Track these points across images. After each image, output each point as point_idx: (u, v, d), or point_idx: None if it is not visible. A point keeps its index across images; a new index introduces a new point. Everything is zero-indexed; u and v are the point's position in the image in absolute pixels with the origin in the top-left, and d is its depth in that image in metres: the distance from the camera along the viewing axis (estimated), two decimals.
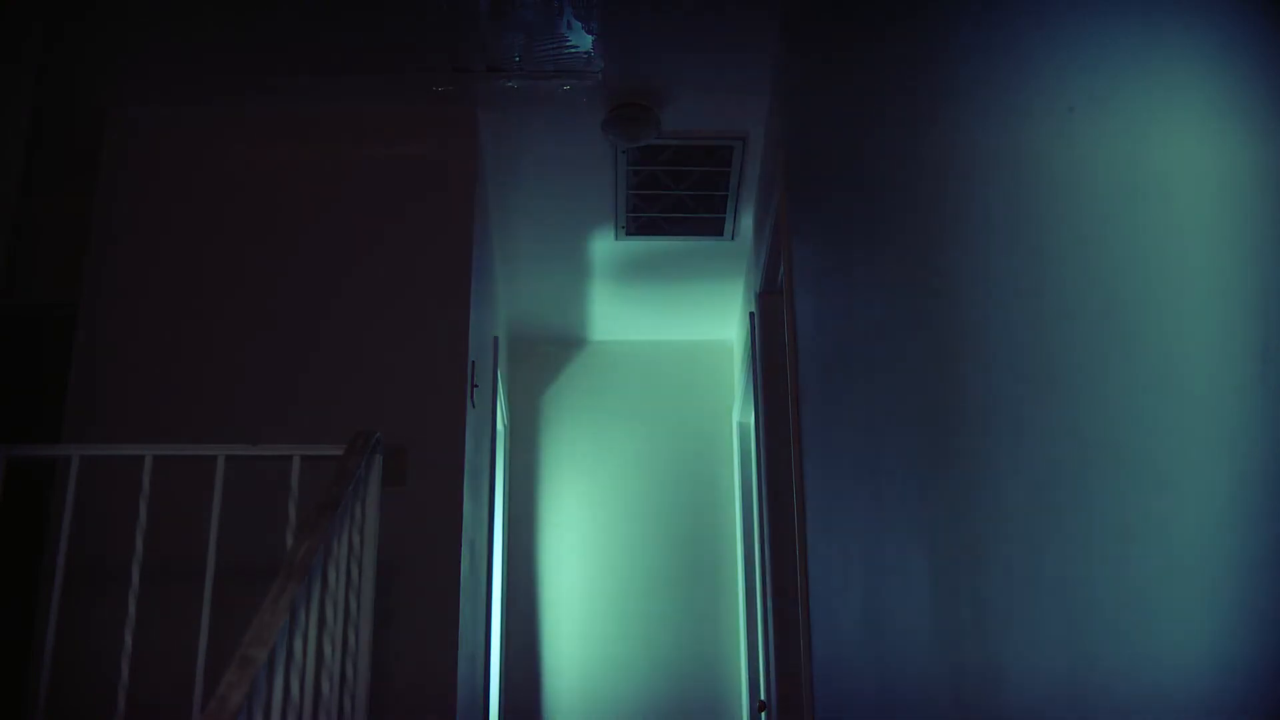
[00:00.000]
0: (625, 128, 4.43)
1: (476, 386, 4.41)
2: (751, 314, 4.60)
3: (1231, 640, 1.04)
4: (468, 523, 4.11)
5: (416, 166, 4.36)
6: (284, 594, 2.14)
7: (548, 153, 4.75)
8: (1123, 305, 1.27)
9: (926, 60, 2.09)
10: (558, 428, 6.55)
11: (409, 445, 3.94)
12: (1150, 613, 1.20)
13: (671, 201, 5.12)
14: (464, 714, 4.01)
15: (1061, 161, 1.44)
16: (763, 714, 4.06)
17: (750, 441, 5.76)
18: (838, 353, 2.92)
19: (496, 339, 5.44)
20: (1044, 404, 1.51)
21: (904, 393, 2.24)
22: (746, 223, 5.28)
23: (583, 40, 4.04)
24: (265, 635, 2.01)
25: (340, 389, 4.03)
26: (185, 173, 4.31)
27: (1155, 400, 1.19)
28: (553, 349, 6.69)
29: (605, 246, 5.54)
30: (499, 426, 5.57)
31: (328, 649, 2.54)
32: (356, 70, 4.18)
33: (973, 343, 1.81)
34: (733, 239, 5.44)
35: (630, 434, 6.31)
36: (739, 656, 6.02)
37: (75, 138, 4.43)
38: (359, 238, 4.25)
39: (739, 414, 6.03)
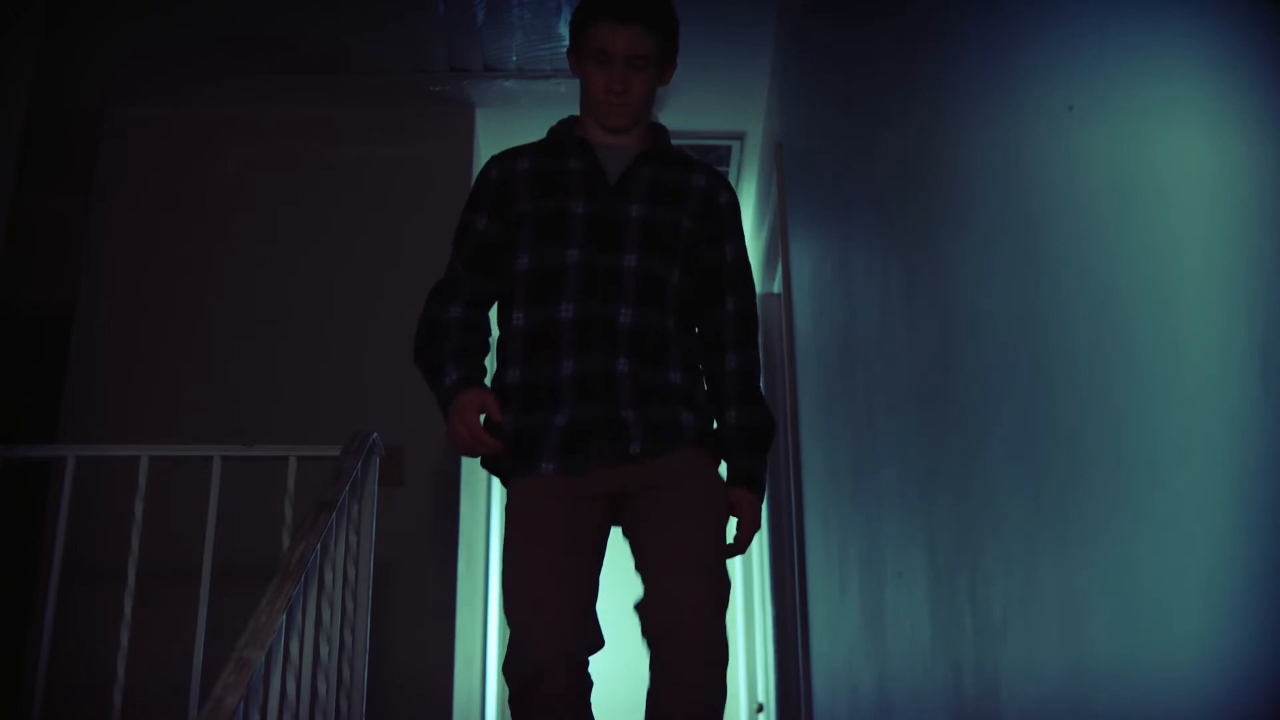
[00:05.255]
0: None
1: None
2: None
3: (1232, 642, 1.04)
4: (465, 523, 4.10)
5: (415, 166, 4.35)
6: (280, 595, 2.14)
7: None
8: (1122, 304, 1.26)
9: (924, 58, 2.08)
10: None
11: (406, 446, 3.93)
12: (1150, 614, 1.20)
13: None
14: (461, 714, 4.00)
15: (1060, 160, 1.43)
16: (760, 715, 4.05)
17: None
18: (836, 353, 2.92)
19: None
20: (1043, 404, 1.50)
21: (903, 393, 2.23)
22: (745, 222, 5.28)
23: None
24: (261, 637, 2.00)
25: (337, 389, 4.02)
26: (180, 173, 4.30)
27: (1155, 400, 1.18)
28: None
29: None
30: None
31: (324, 649, 2.53)
32: (355, 70, 4.17)
33: (971, 343, 1.81)
34: None
35: None
36: (737, 657, 6.01)
37: (70, 138, 4.42)
38: (356, 238, 4.24)
39: None
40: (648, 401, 2.10)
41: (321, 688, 2.50)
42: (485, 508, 4.91)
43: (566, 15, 3.91)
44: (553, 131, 2.32)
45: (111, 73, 4.16)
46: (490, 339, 2.26)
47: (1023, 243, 1.58)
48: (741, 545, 2.21)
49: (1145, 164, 1.20)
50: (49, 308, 4.59)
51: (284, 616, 2.12)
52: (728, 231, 2.30)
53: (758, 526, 2.21)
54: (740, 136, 4.63)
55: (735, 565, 5.83)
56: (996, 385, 1.69)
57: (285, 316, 4.12)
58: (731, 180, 4.91)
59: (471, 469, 4.34)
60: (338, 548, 2.67)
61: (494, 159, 2.31)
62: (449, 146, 4.37)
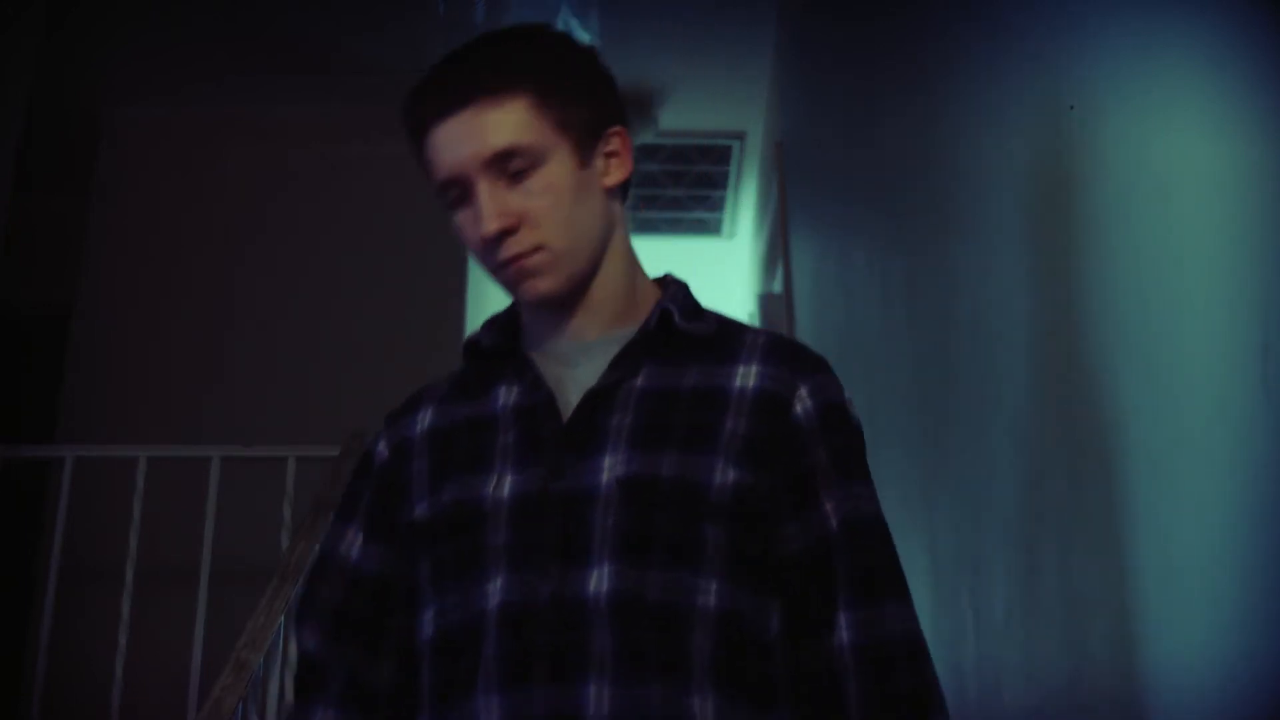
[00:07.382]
0: None
1: None
2: (751, 314, 4.59)
3: (1231, 641, 1.03)
4: None
5: (414, 166, 4.34)
6: (278, 596, 2.14)
7: None
8: (1122, 304, 1.26)
9: (924, 58, 2.08)
10: None
11: None
12: (1150, 613, 1.19)
13: (669, 201, 5.12)
14: None
15: (1061, 159, 1.43)
16: None
17: None
18: (837, 352, 2.91)
19: None
20: (1043, 404, 1.50)
21: (903, 393, 2.23)
22: (745, 222, 5.27)
23: (581, 40, 4.03)
24: (260, 638, 2.00)
25: (336, 390, 4.02)
26: (180, 173, 4.30)
27: (1155, 400, 1.18)
28: None
29: None
30: None
31: None
32: (355, 70, 4.17)
33: (972, 342, 1.81)
34: (731, 238, 5.43)
35: None
36: None
37: (70, 138, 4.42)
38: (355, 238, 4.24)
39: None
40: None
41: None
42: None
43: (566, 15, 3.91)
44: (470, 343, 1.19)
45: (111, 73, 4.16)
46: None
47: (1022, 242, 1.57)
48: None
49: (1145, 164, 1.19)
50: (48, 308, 4.58)
51: (282, 618, 2.12)
52: (823, 472, 1.10)
53: None
54: (740, 136, 4.62)
55: None
56: (997, 385, 1.69)
57: (284, 316, 4.12)
58: (731, 181, 4.90)
59: None
60: None
61: (387, 419, 1.21)
62: None
